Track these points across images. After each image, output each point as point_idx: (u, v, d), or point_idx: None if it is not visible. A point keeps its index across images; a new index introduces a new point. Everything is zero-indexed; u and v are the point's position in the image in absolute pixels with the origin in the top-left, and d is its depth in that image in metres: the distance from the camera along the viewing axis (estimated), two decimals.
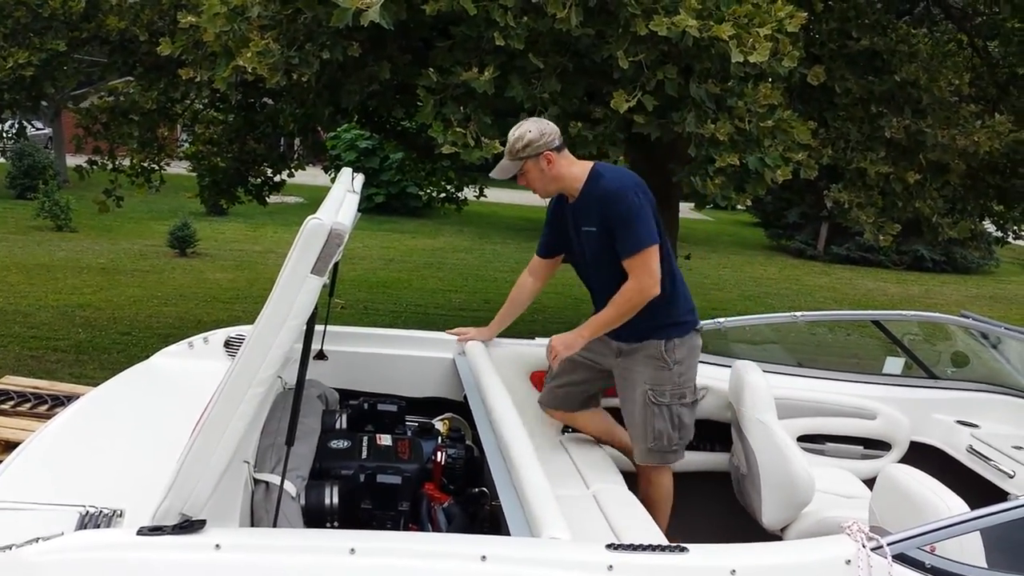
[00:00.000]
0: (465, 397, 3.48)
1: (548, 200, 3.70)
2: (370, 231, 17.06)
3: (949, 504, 2.57)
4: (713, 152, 4.61)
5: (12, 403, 4.88)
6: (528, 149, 3.37)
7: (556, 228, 3.68)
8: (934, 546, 2.31)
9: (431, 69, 4.76)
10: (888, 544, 2.23)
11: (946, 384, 4.36)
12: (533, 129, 3.39)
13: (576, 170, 3.47)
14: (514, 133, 3.40)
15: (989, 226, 8.71)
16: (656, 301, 3.39)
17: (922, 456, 4.04)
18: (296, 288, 2.02)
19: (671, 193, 7.03)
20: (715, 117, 4.64)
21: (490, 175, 3.53)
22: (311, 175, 12.38)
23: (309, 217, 2.03)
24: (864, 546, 2.23)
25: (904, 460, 4.06)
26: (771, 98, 4.70)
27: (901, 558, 2.24)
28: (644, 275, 3.33)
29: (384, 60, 5.16)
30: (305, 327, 2.15)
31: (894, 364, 4.42)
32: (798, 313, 4.37)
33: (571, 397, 3.73)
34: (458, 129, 4.61)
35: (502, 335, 3.95)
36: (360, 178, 3.33)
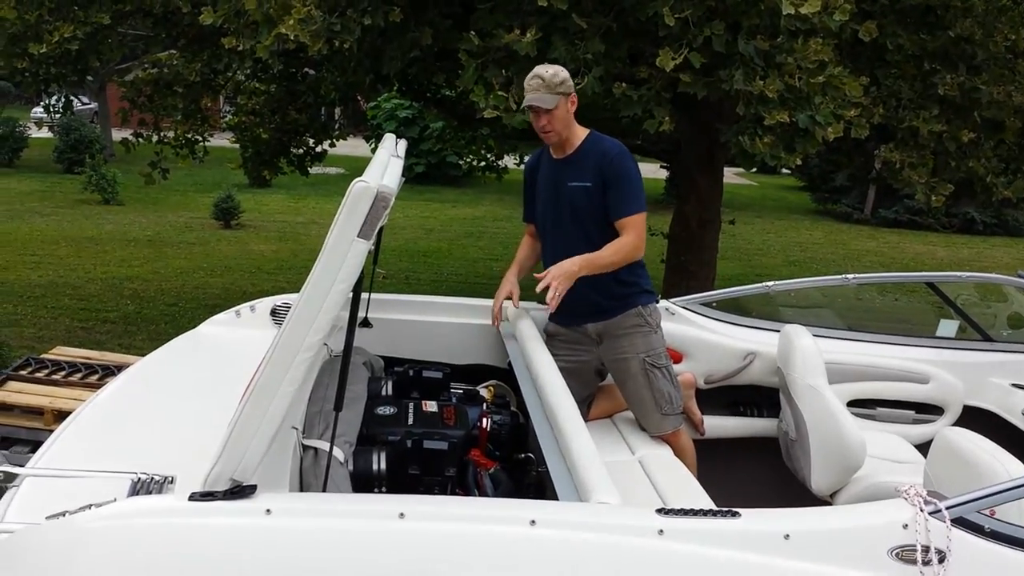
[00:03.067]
0: (509, 364, 3.46)
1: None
2: (410, 201, 17.09)
3: (1008, 468, 2.52)
4: (762, 110, 4.50)
5: (64, 373, 4.97)
6: (564, 86, 3.36)
7: (532, 189, 3.69)
8: (994, 510, 2.26)
9: (472, 32, 4.70)
10: (947, 508, 2.18)
11: (1002, 347, 4.25)
12: (563, 70, 3.39)
13: (576, 125, 3.50)
14: (547, 70, 3.35)
15: None
16: (633, 268, 3.48)
17: (976, 420, 3.96)
18: (343, 252, 2.00)
19: (716, 156, 6.93)
20: (764, 74, 4.52)
21: (526, 103, 3.42)
22: (352, 146, 12.43)
23: (355, 180, 2.01)
24: (922, 510, 2.17)
25: (957, 424, 3.97)
26: (822, 54, 4.57)
27: (960, 522, 2.19)
28: (638, 236, 3.40)
29: (425, 25, 5.12)
30: (351, 293, 2.13)
31: (948, 327, 4.32)
32: (849, 275, 4.28)
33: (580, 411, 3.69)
34: (500, 93, 4.56)
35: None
36: (403, 143, 3.30)
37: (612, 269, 3.39)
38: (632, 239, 3.38)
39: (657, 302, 3.65)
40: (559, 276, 3.23)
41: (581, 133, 3.50)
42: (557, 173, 3.52)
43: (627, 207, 3.39)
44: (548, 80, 3.33)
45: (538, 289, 3.27)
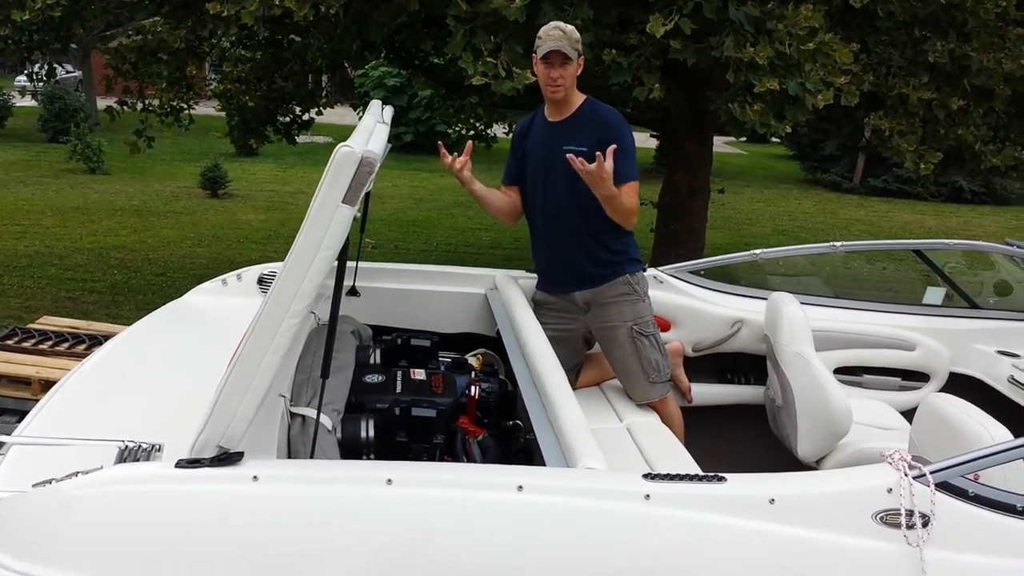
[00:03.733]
0: (498, 332, 3.46)
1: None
2: (399, 170, 17.01)
3: (993, 432, 2.53)
4: (752, 77, 4.47)
5: (50, 343, 4.95)
6: (579, 44, 3.38)
7: (520, 152, 3.64)
8: (978, 474, 2.27)
9: None
10: (931, 472, 2.19)
11: (988, 314, 4.27)
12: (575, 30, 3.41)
13: (577, 90, 3.50)
14: (567, 26, 3.37)
15: None
16: (614, 236, 3.49)
17: (962, 387, 3.98)
18: (327, 218, 1.99)
19: (706, 124, 6.90)
20: (754, 41, 4.49)
21: (548, 48, 3.32)
22: (339, 114, 12.35)
23: (339, 145, 1.99)
24: (906, 474, 2.19)
25: (943, 391, 4.00)
26: (812, 20, 4.54)
27: (944, 486, 2.20)
28: (634, 201, 3.42)
29: None
30: (337, 261, 2.12)
31: (934, 294, 4.34)
32: (837, 243, 4.28)
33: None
34: (489, 59, 4.51)
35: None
36: (390, 109, 3.27)
37: (618, 212, 3.37)
38: (630, 202, 3.40)
39: (644, 270, 3.65)
40: (605, 173, 3.18)
41: (579, 97, 3.49)
42: (552, 135, 3.49)
43: (626, 173, 3.36)
44: (569, 34, 3.34)
45: (593, 167, 3.16)
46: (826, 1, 4.83)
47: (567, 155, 3.24)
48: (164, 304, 3.70)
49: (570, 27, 3.38)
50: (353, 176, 1.97)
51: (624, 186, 3.35)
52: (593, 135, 3.38)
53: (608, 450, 2.35)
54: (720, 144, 11.91)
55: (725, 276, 4.22)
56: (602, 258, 3.49)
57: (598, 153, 3.17)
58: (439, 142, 3.58)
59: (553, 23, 3.39)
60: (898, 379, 4.14)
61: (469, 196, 3.67)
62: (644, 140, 20.24)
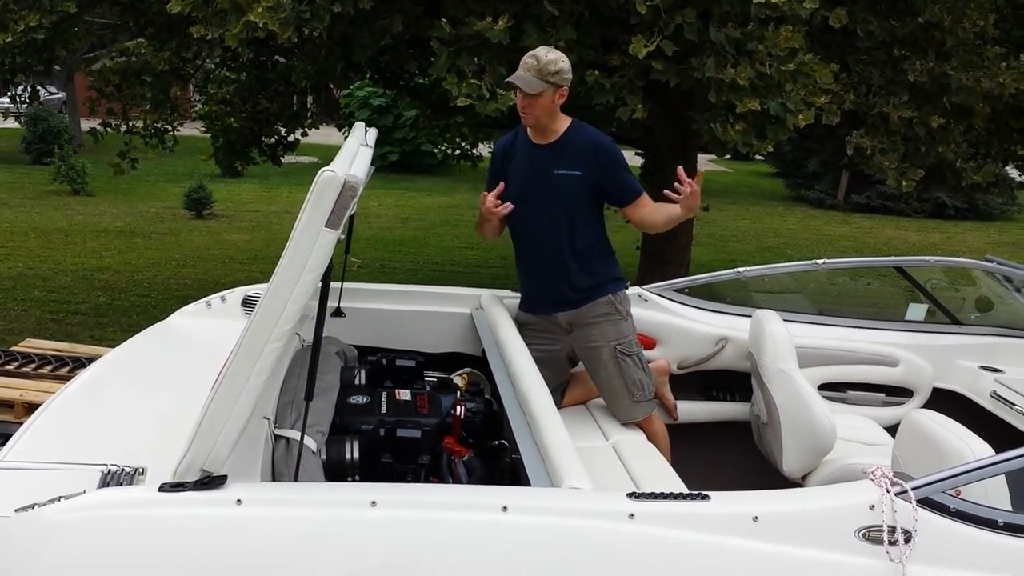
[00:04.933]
0: (483, 352, 3.46)
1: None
2: (385, 190, 17.02)
3: (974, 448, 2.55)
4: (733, 98, 4.52)
5: (33, 366, 4.92)
6: (557, 77, 3.31)
7: (503, 172, 3.60)
8: (959, 490, 2.29)
9: (444, 20, 4.68)
10: (912, 488, 2.21)
11: (970, 329, 4.31)
12: (565, 60, 3.36)
13: (560, 113, 3.48)
14: (546, 54, 3.32)
15: (1012, 171, 8.55)
16: (598, 257, 3.53)
17: (945, 402, 4.00)
18: (310, 242, 1.99)
19: (689, 143, 6.94)
20: (735, 62, 4.54)
21: (508, 79, 3.39)
22: (324, 134, 12.34)
23: (322, 169, 2.00)
24: (888, 491, 2.20)
25: (927, 407, 4.01)
26: (792, 41, 4.59)
27: (926, 502, 2.22)
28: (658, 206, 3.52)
29: (396, 12, 5.08)
30: (321, 283, 2.13)
31: (917, 311, 4.37)
32: (820, 261, 4.31)
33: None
34: (473, 81, 4.54)
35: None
36: (373, 132, 3.28)
37: (667, 226, 3.56)
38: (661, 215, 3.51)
39: (627, 288, 3.66)
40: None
41: (564, 121, 3.48)
42: (538, 158, 3.48)
43: (635, 186, 3.52)
44: (542, 64, 3.29)
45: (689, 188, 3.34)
46: (806, 22, 4.88)
47: (679, 175, 3.35)
48: (149, 326, 3.69)
49: (552, 55, 3.33)
50: (336, 200, 1.98)
51: (640, 198, 3.49)
52: (585, 158, 3.39)
53: (594, 469, 2.36)
54: (704, 162, 12.01)
55: (710, 294, 4.24)
56: (584, 281, 3.50)
57: (689, 180, 3.33)
58: (483, 193, 3.54)
59: (538, 49, 3.37)
60: (882, 395, 4.16)
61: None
62: (630, 158, 20.28)
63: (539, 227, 3.51)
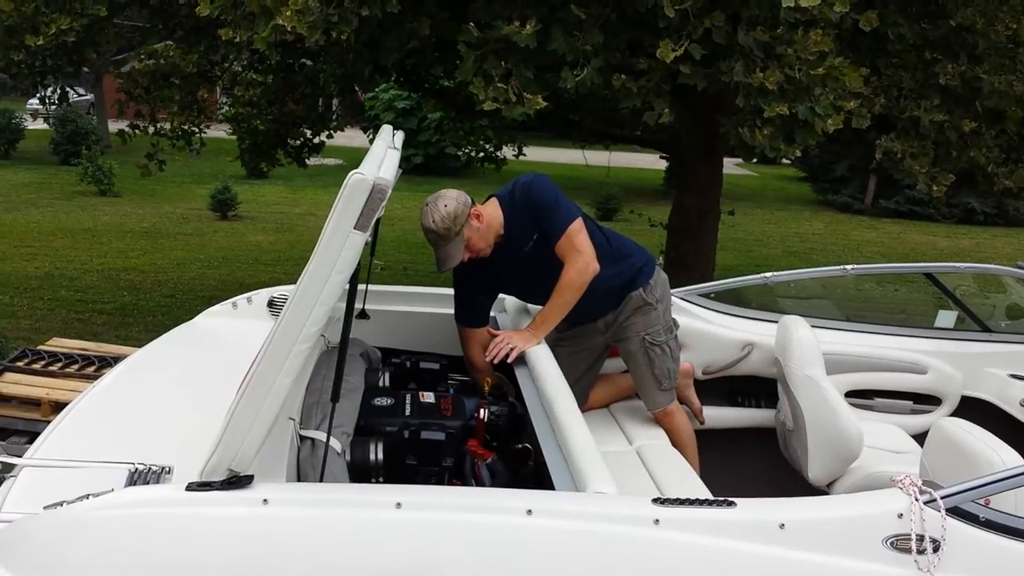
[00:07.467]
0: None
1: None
2: (409, 192, 17.05)
3: (1004, 457, 2.52)
4: (762, 102, 4.47)
5: (60, 365, 4.96)
6: (459, 220, 3.19)
7: (478, 282, 3.48)
8: (989, 499, 2.26)
9: (471, 24, 4.67)
10: (942, 497, 2.18)
11: (1000, 337, 4.25)
12: (447, 201, 3.20)
13: (490, 208, 3.35)
14: (432, 219, 3.18)
15: None
16: (611, 264, 3.40)
17: (974, 411, 3.96)
18: (339, 244, 2.00)
19: (716, 147, 6.91)
20: (764, 65, 4.50)
21: (439, 270, 3.31)
22: (349, 137, 12.39)
23: (352, 172, 2.01)
24: (917, 499, 2.18)
25: (955, 415, 3.98)
26: (822, 45, 4.54)
27: (955, 511, 2.19)
28: (577, 257, 3.24)
29: (423, 16, 5.09)
30: (348, 284, 2.13)
31: (946, 318, 4.33)
32: (848, 266, 4.28)
33: (583, 391, 3.66)
34: (500, 85, 4.52)
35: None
36: (400, 135, 3.29)
37: (571, 306, 3.29)
38: (570, 270, 3.25)
39: (656, 270, 3.60)
40: (519, 343, 3.24)
41: (495, 207, 3.35)
42: (510, 251, 3.37)
43: (555, 232, 3.25)
44: (441, 232, 3.18)
45: (492, 358, 3.24)
46: (836, 25, 4.83)
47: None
48: (174, 326, 3.71)
49: (438, 216, 3.16)
50: (365, 202, 1.98)
51: (559, 245, 3.26)
52: (531, 219, 3.31)
53: (618, 473, 2.35)
54: (730, 165, 11.94)
55: (736, 299, 4.22)
56: (609, 292, 3.49)
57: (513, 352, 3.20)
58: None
59: (424, 223, 3.21)
60: (910, 402, 4.12)
61: None
62: (653, 162, 20.26)
63: (540, 293, 3.41)
